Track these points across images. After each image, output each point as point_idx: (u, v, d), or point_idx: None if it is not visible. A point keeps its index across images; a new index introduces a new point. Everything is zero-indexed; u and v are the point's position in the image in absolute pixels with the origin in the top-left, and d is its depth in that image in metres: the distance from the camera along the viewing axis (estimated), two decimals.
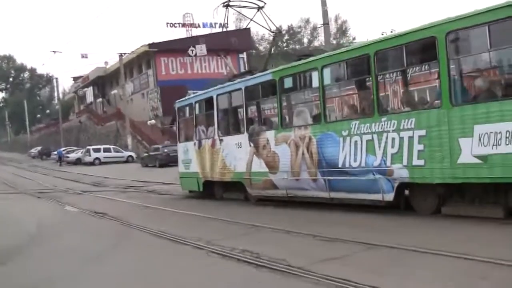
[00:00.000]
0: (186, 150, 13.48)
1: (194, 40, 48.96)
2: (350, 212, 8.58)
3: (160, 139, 34.84)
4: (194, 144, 12.92)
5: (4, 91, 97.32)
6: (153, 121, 41.03)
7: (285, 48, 77.19)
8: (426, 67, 8.02)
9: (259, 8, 12.90)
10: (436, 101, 7.52)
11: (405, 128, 7.50)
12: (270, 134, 10.21)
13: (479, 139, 6.55)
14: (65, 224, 10.70)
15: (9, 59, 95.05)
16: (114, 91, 49.89)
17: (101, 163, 36.96)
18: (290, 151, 9.59)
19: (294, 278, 5.08)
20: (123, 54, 44.57)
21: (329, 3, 19.57)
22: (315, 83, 9.14)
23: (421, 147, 7.30)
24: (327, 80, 8.97)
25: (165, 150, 28.69)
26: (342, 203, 8.83)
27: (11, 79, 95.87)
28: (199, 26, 52.47)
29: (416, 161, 7.36)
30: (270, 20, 14.30)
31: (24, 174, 31.21)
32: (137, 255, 7.08)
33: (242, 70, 46.62)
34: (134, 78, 51.87)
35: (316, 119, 9.35)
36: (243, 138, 10.95)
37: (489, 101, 6.65)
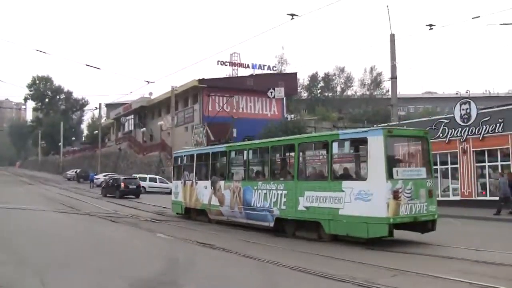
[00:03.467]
0: (176, 186, 20.39)
1: (242, 79, 51.64)
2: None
3: None
4: (181, 182, 19.79)
5: (39, 110, 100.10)
6: None
7: (318, 95, 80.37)
8: (290, 158, 14.78)
9: None
10: (292, 176, 14.16)
11: (279, 188, 14.08)
12: (222, 183, 16.84)
13: (306, 198, 13.16)
14: (183, 253, 10.99)
15: (47, 80, 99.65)
16: (161, 122, 51.50)
17: (146, 192, 36.13)
18: (230, 194, 16.29)
19: None
20: (175, 88, 45.90)
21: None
22: (245, 157, 15.96)
23: (285, 199, 13.78)
24: (250, 157, 15.76)
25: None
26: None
27: (46, 100, 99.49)
28: (248, 66, 55.50)
29: (282, 206, 13.86)
30: None
31: (72, 195, 32.18)
32: None
33: (284, 113, 51.75)
34: (178, 111, 53.11)
35: (244, 177, 16.06)
36: (208, 183, 17.66)
37: (312, 180, 13.40)
